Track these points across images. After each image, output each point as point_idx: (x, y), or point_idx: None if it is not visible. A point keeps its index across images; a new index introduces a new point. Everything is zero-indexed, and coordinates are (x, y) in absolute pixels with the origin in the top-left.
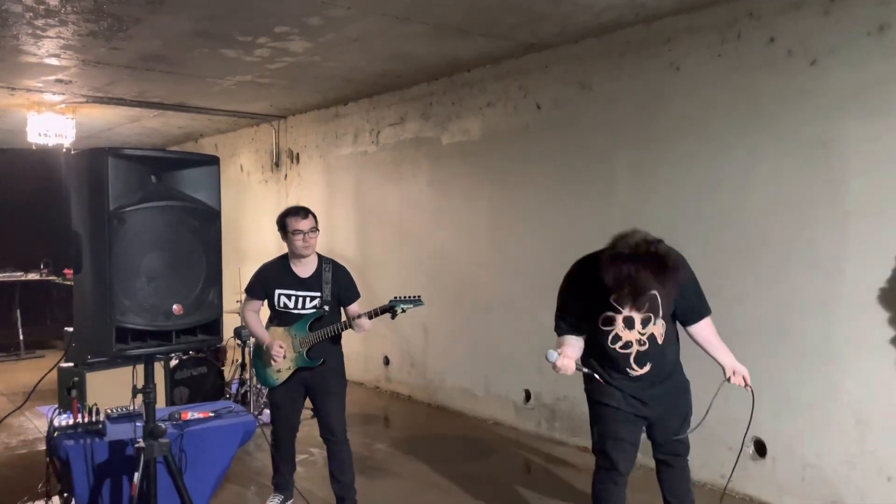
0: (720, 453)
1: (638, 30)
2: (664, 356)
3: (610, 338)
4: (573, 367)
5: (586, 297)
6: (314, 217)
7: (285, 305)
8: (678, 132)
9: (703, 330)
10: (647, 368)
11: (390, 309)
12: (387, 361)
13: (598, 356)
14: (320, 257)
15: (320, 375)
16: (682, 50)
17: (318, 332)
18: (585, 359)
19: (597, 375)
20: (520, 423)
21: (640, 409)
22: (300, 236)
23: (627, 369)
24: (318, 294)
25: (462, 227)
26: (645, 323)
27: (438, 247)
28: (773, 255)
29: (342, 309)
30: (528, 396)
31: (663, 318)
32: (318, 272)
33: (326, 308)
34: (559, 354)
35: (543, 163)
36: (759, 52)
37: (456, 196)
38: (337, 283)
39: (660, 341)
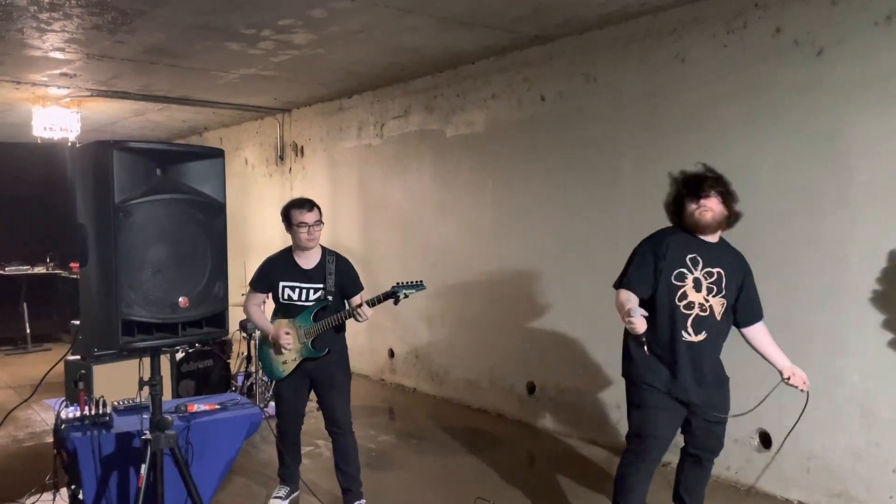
0: (726, 445)
1: (643, 21)
2: (717, 335)
3: (678, 294)
4: (644, 326)
5: (665, 254)
6: (319, 210)
7: (289, 297)
8: (683, 124)
9: (760, 332)
10: (701, 336)
11: (393, 295)
12: (391, 354)
13: (653, 326)
14: (324, 249)
15: (325, 368)
16: (687, 41)
17: (322, 322)
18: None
19: (645, 348)
20: (524, 415)
21: (682, 393)
22: (305, 229)
23: (683, 332)
24: (322, 286)
25: (466, 219)
26: (709, 291)
27: (442, 239)
28: (779, 247)
29: (345, 301)
30: (532, 388)
31: (725, 298)
32: (321, 264)
33: (330, 299)
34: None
35: (548, 155)
36: (765, 42)
37: (460, 189)
38: (340, 275)
39: (718, 317)
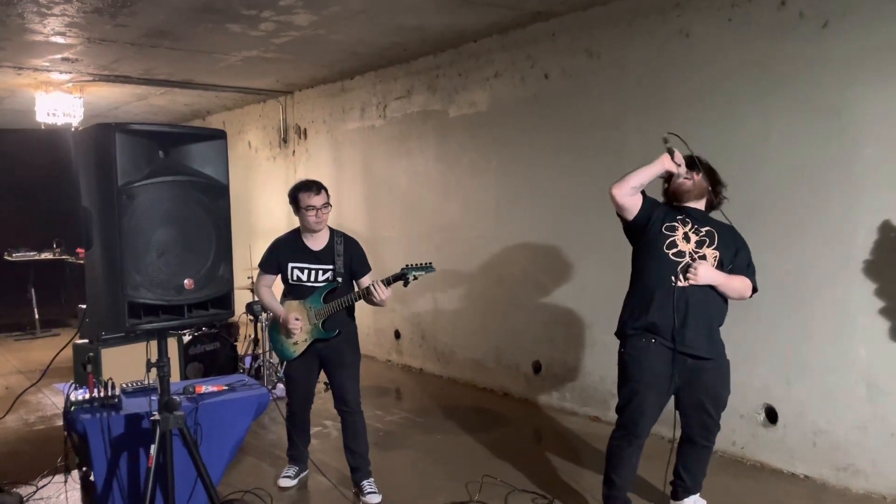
0: (732, 421)
1: None
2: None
3: (667, 242)
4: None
5: (658, 211)
6: (326, 192)
7: (298, 279)
8: (688, 99)
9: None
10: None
11: (402, 276)
12: (398, 335)
13: (644, 274)
14: (332, 230)
15: (335, 347)
16: (691, 15)
17: (333, 304)
18: (627, 303)
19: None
20: (530, 393)
21: (671, 339)
22: (313, 212)
23: (673, 277)
24: (331, 267)
25: (470, 199)
26: (700, 243)
27: (447, 220)
28: (786, 223)
29: (354, 282)
30: (538, 367)
31: (718, 251)
32: (330, 245)
33: (339, 280)
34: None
35: (552, 133)
36: (770, 15)
37: (464, 168)
38: (349, 256)
39: (711, 263)
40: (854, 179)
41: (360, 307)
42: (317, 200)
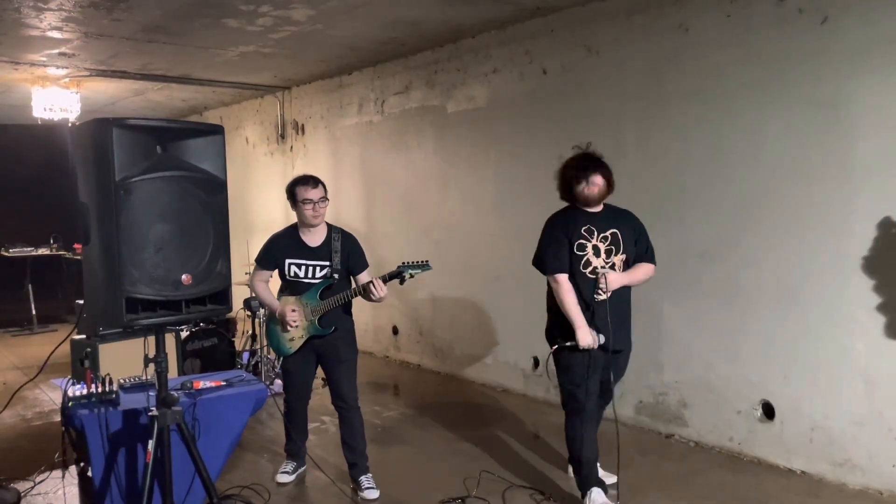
0: (729, 416)
1: None
2: (623, 287)
3: (582, 262)
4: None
5: (568, 231)
6: (324, 186)
7: (295, 274)
8: (686, 95)
9: (641, 265)
10: (609, 293)
11: (398, 275)
12: (395, 331)
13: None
14: (329, 226)
15: (332, 344)
16: (690, 10)
17: (329, 300)
18: (559, 321)
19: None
20: (528, 389)
21: (606, 343)
22: (310, 206)
23: (594, 294)
24: (328, 263)
25: (469, 195)
26: (608, 253)
27: (445, 216)
28: (783, 217)
29: (352, 279)
30: (536, 363)
31: (625, 252)
32: (327, 241)
33: (336, 276)
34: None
35: (550, 129)
36: (769, 11)
37: (462, 164)
38: (346, 252)
39: (620, 272)
40: (852, 174)
41: (358, 303)
42: (314, 194)
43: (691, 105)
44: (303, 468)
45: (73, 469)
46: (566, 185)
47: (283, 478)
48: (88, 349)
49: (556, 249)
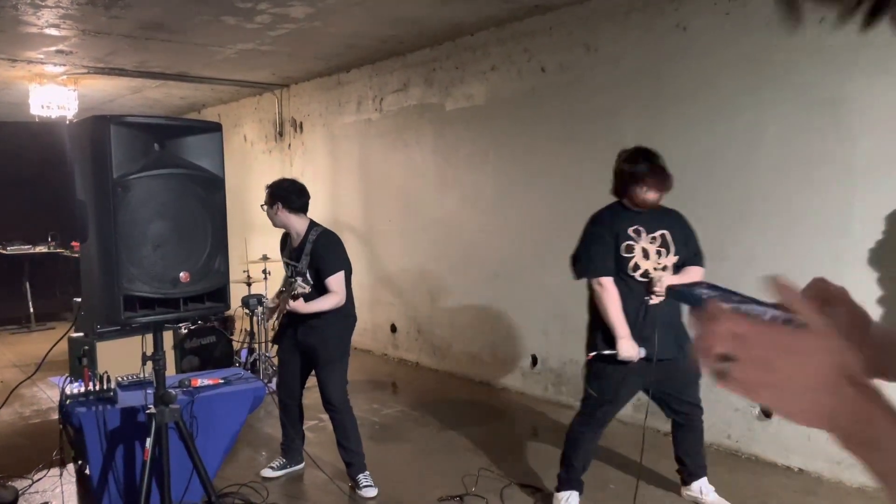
0: (727, 415)
1: None
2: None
3: (630, 265)
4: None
5: (614, 231)
6: (268, 193)
7: (286, 272)
8: (685, 93)
9: (691, 269)
10: (661, 297)
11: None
12: (394, 329)
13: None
14: (311, 227)
15: (313, 345)
16: (689, 9)
17: (279, 304)
18: (600, 325)
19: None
20: (527, 387)
21: (652, 351)
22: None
23: (645, 297)
24: (298, 265)
25: (467, 193)
26: (659, 254)
27: (444, 213)
28: (782, 215)
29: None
30: (534, 361)
31: (677, 254)
32: (303, 242)
33: (297, 279)
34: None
35: (549, 127)
36: (767, 9)
37: (461, 162)
38: (315, 255)
39: (672, 273)
40: (850, 172)
41: (357, 300)
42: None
43: (690, 103)
44: (299, 466)
45: (71, 467)
46: (623, 183)
47: (267, 472)
48: (86, 347)
49: (600, 249)
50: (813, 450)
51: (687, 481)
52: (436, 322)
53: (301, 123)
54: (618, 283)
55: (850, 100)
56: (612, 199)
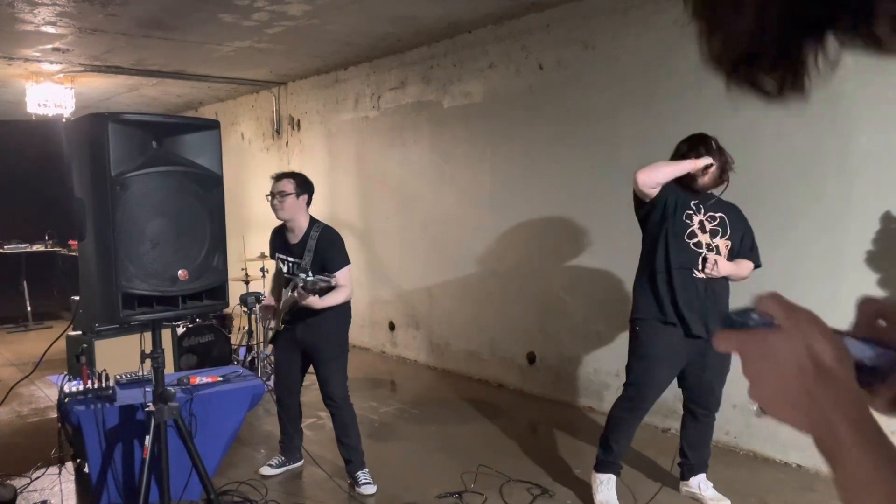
0: (726, 410)
1: None
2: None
3: (688, 232)
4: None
5: (674, 197)
6: (291, 180)
7: (284, 270)
8: (683, 91)
9: (743, 262)
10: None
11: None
12: (392, 326)
13: (664, 275)
14: (311, 223)
15: (314, 342)
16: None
17: (283, 303)
18: (643, 282)
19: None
20: (525, 385)
21: (689, 326)
22: (269, 198)
23: (694, 269)
24: (300, 261)
25: (465, 190)
26: (714, 234)
27: (441, 211)
28: (780, 212)
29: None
30: (532, 359)
31: (730, 240)
32: (304, 238)
33: (301, 276)
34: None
35: (547, 124)
36: None
37: (458, 160)
38: (320, 251)
39: (724, 254)
40: (848, 168)
41: (356, 300)
42: (274, 187)
43: (687, 101)
44: (297, 464)
45: (69, 465)
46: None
47: (265, 470)
48: (84, 345)
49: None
50: (811, 446)
51: (686, 476)
52: (434, 320)
53: (298, 121)
54: (669, 246)
55: (847, 97)
56: (610, 195)
